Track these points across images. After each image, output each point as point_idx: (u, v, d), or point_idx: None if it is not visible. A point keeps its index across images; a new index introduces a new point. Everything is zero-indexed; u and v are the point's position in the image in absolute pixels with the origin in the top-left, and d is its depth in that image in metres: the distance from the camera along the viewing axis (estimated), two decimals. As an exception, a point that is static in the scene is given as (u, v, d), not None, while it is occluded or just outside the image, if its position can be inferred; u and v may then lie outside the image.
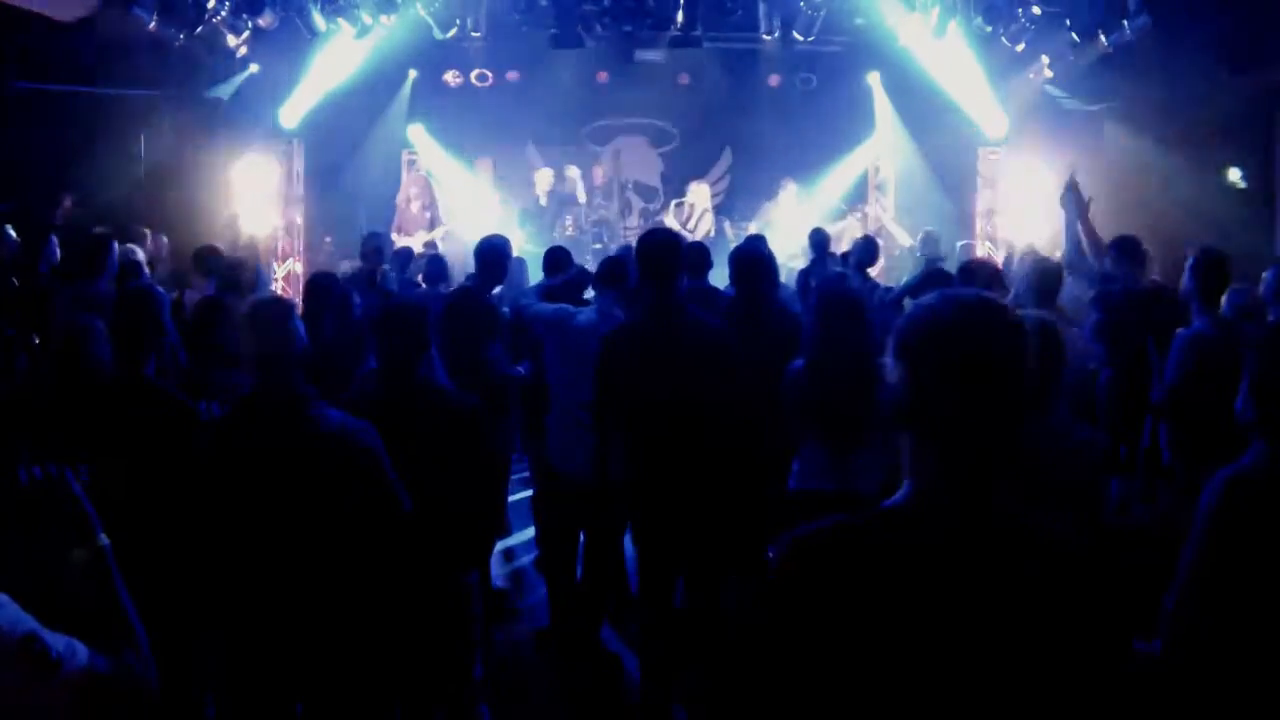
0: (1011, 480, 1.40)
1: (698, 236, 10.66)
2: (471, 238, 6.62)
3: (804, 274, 6.60)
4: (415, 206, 10.40)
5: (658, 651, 3.89)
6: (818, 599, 1.38)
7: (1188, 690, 2.50)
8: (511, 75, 11.11)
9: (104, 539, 1.64)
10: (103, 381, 3.29)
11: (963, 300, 1.42)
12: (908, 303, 4.16)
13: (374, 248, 6.69)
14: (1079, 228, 4.84)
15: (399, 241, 9.28)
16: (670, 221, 11.15)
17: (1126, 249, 5.00)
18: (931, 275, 5.11)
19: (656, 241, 3.92)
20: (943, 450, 1.40)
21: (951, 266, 7.04)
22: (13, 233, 6.35)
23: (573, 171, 11.00)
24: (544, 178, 10.85)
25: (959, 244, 9.34)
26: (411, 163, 11.38)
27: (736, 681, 1.53)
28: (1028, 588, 1.36)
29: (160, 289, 3.57)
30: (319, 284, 5.20)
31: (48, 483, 1.61)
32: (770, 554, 3.83)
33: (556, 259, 5.47)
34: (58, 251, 6.16)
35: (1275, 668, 2.38)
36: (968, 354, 1.37)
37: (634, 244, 4.57)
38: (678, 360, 3.70)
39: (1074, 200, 4.77)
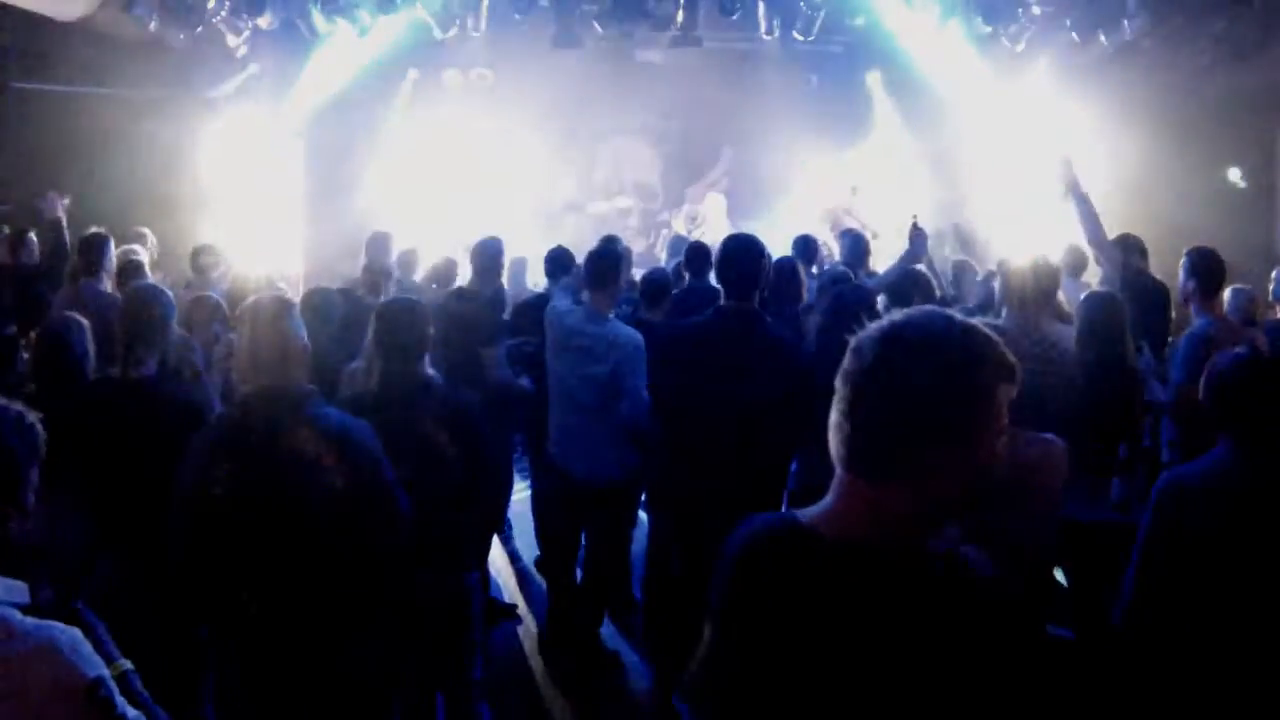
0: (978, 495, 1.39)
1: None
2: (471, 238, 6.62)
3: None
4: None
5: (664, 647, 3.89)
6: (747, 608, 1.40)
7: (1141, 668, 2.60)
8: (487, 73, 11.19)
9: (125, 663, 1.61)
10: (83, 381, 3.30)
11: (907, 323, 1.38)
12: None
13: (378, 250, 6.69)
14: (1083, 207, 4.81)
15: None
16: (679, 224, 11.18)
17: (1130, 245, 4.98)
18: (906, 275, 5.09)
19: (737, 247, 3.83)
20: (859, 473, 1.38)
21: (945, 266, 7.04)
22: (7, 230, 6.36)
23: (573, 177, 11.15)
24: (563, 185, 11.04)
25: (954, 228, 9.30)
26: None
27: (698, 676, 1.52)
28: (916, 614, 1.34)
29: (167, 290, 3.57)
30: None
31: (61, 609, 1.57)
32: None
33: (558, 259, 5.48)
34: (36, 250, 6.15)
35: (1221, 649, 2.45)
36: (900, 378, 1.34)
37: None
38: (743, 368, 3.60)
39: (1071, 180, 4.76)
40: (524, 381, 4.91)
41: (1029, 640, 1.43)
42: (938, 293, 5.57)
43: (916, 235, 5.62)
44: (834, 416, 1.38)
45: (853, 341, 1.40)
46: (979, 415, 1.33)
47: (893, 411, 1.33)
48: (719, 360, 3.64)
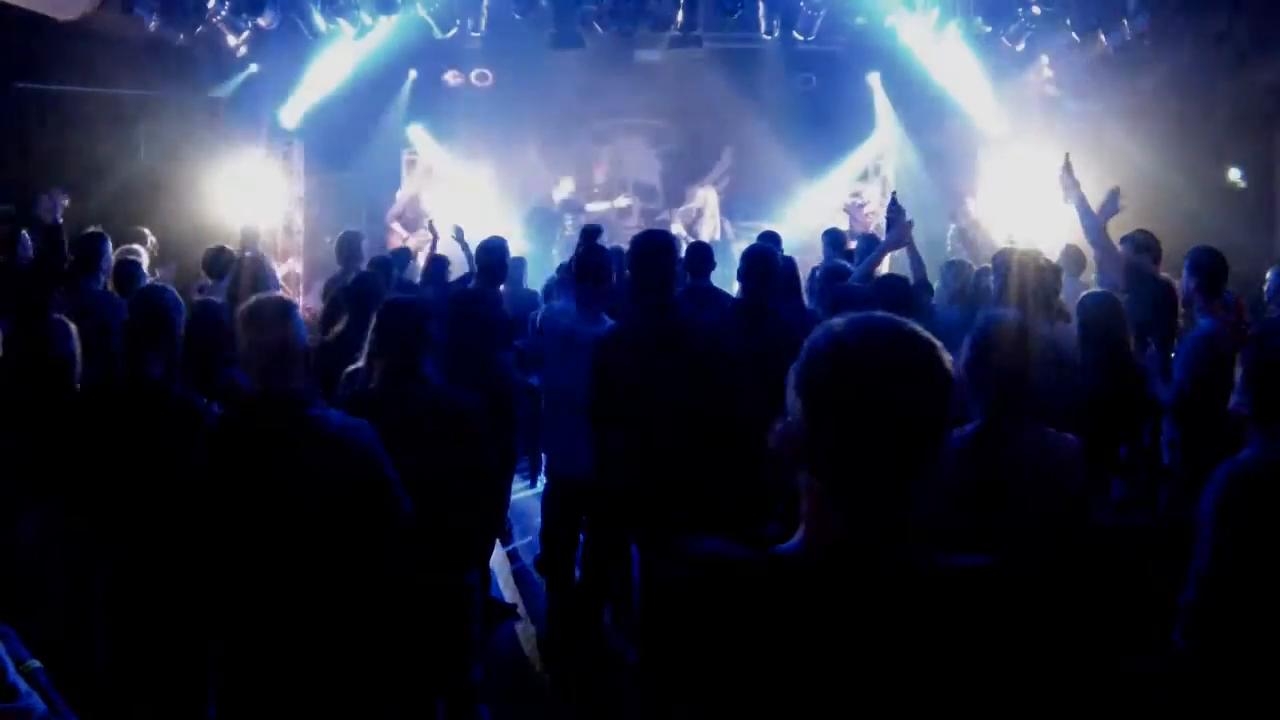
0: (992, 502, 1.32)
1: (702, 239, 10.69)
2: (471, 238, 6.62)
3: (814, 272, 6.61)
4: (425, 201, 10.57)
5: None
6: (695, 638, 1.27)
7: (1211, 684, 2.51)
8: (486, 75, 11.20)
9: (34, 662, 1.59)
10: (68, 384, 3.30)
11: (871, 331, 1.26)
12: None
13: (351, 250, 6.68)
14: (1084, 209, 4.81)
15: (399, 238, 9.33)
16: (676, 225, 11.20)
17: (1140, 242, 4.96)
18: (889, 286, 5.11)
19: (651, 243, 3.88)
20: (844, 496, 1.25)
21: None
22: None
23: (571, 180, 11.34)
24: (565, 185, 11.06)
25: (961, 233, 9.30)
26: (412, 163, 11.40)
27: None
28: (925, 645, 1.23)
29: (173, 291, 3.56)
30: None
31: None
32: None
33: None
34: (30, 248, 6.15)
35: None
36: (876, 390, 1.22)
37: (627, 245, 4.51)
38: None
39: (1071, 182, 4.76)
40: (533, 380, 4.92)
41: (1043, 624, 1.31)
42: (932, 293, 5.57)
43: (895, 216, 5.42)
44: (815, 429, 1.26)
45: (813, 343, 1.28)
46: (947, 419, 1.27)
47: (887, 425, 1.23)
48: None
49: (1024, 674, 1.25)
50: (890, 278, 5.43)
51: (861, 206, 10.12)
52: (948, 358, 1.27)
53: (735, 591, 1.26)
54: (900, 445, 1.23)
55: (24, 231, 6.13)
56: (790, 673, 1.22)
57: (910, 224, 5.35)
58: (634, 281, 3.89)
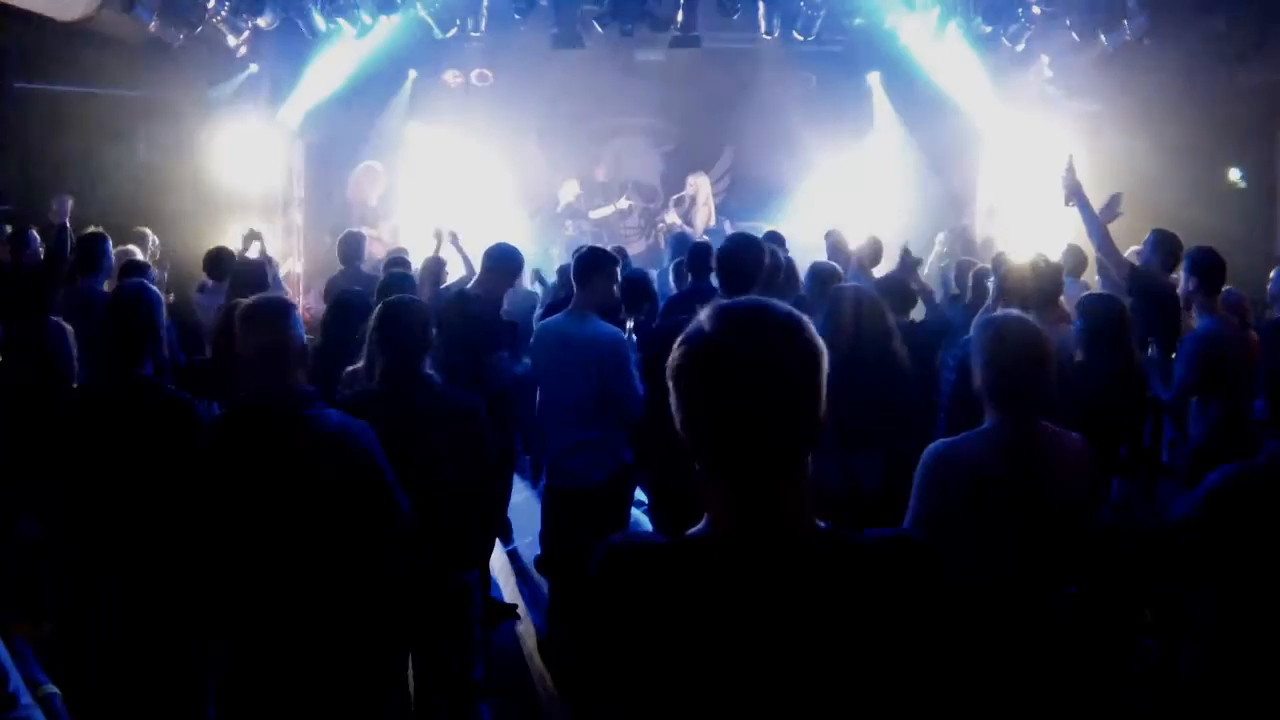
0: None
1: (697, 229, 10.71)
2: (469, 238, 6.62)
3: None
4: (373, 199, 10.58)
5: None
6: (618, 619, 1.32)
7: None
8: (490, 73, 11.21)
9: (51, 688, 1.57)
10: (66, 382, 3.30)
11: (730, 317, 1.29)
12: None
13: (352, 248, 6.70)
14: (1087, 213, 4.81)
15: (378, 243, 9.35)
16: (670, 214, 11.23)
17: (1164, 243, 4.93)
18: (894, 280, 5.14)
19: (735, 244, 4.05)
20: (727, 476, 1.28)
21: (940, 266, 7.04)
22: (8, 229, 6.37)
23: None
24: (570, 189, 11.08)
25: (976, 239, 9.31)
26: (370, 169, 11.37)
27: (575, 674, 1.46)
28: (821, 617, 1.25)
29: (154, 288, 3.55)
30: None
31: None
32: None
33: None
34: (38, 246, 6.16)
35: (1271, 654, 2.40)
36: (731, 373, 1.24)
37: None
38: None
39: (1073, 184, 4.76)
40: (519, 367, 4.93)
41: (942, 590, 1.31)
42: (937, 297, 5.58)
43: (904, 263, 5.57)
44: (688, 416, 1.28)
45: (684, 337, 1.30)
46: (815, 396, 1.28)
47: (749, 406, 1.25)
48: None
49: (907, 646, 1.27)
50: (889, 277, 5.44)
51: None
52: (813, 336, 1.29)
53: (644, 576, 1.31)
54: (767, 425, 1.25)
55: (32, 231, 6.15)
56: (694, 652, 1.26)
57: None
58: (719, 278, 3.98)
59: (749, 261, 3.99)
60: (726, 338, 1.26)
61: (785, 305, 1.31)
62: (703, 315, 1.30)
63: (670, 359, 1.30)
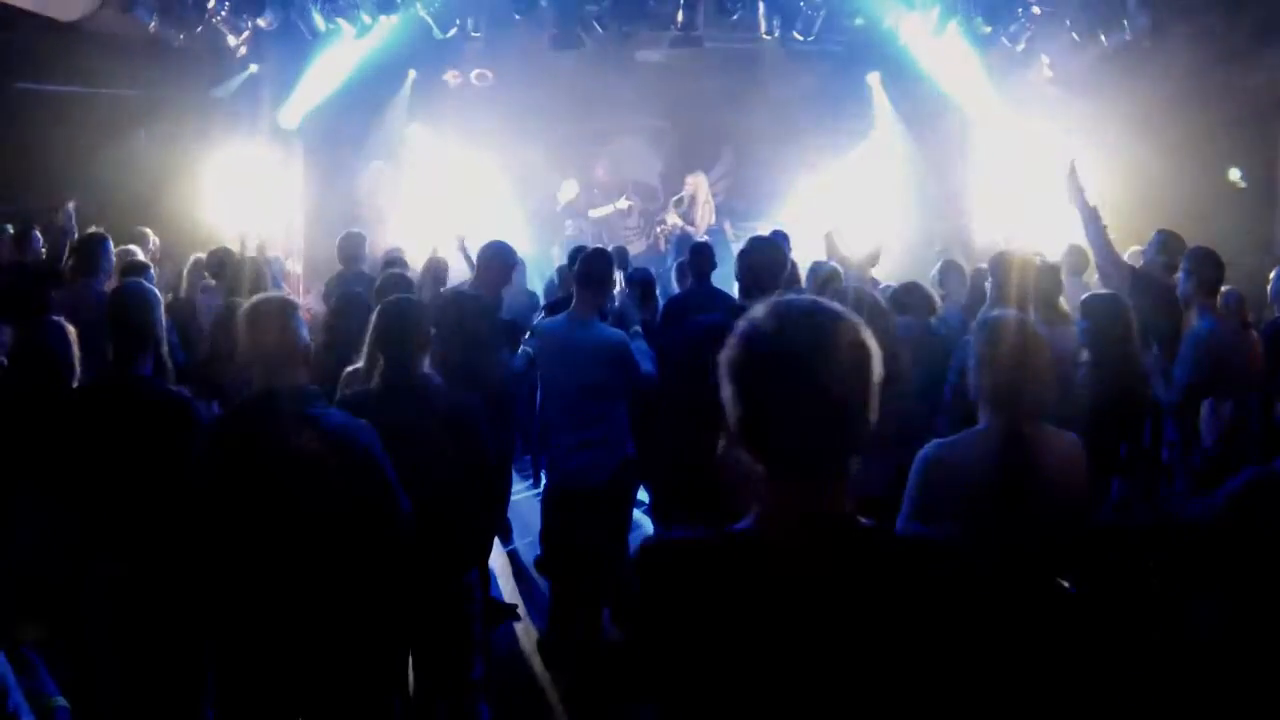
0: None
1: (699, 228, 10.72)
2: (470, 238, 6.61)
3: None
4: (381, 199, 10.67)
5: None
6: (668, 613, 1.34)
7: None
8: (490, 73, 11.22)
9: (60, 701, 1.56)
10: (66, 382, 3.30)
11: (786, 313, 1.32)
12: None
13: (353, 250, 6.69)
14: (1087, 214, 4.81)
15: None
16: (670, 215, 11.24)
17: (1168, 244, 4.92)
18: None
19: (759, 247, 4.09)
20: (780, 471, 1.32)
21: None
22: (10, 230, 6.36)
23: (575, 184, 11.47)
24: (569, 188, 11.08)
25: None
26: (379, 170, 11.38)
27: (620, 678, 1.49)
28: (869, 616, 1.29)
29: (154, 288, 3.55)
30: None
31: None
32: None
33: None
34: (41, 247, 6.16)
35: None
36: (793, 370, 1.28)
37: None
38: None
39: (1076, 188, 4.76)
40: (516, 362, 4.94)
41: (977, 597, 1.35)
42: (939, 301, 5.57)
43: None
44: (745, 412, 1.32)
45: (740, 333, 1.33)
46: (868, 392, 1.32)
47: (806, 401, 1.28)
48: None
49: (957, 639, 1.30)
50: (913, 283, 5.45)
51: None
52: (865, 333, 1.32)
53: (696, 570, 1.33)
54: (822, 419, 1.29)
55: (36, 231, 6.15)
56: (748, 644, 1.28)
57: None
58: (740, 281, 4.02)
59: (773, 265, 4.00)
60: (788, 336, 1.30)
61: (839, 306, 1.35)
62: (761, 314, 1.33)
63: (728, 355, 1.33)
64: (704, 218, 11.11)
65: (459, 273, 6.68)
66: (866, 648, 1.28)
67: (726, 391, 1.33)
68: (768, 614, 1.28)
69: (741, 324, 1.34)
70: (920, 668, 1.28)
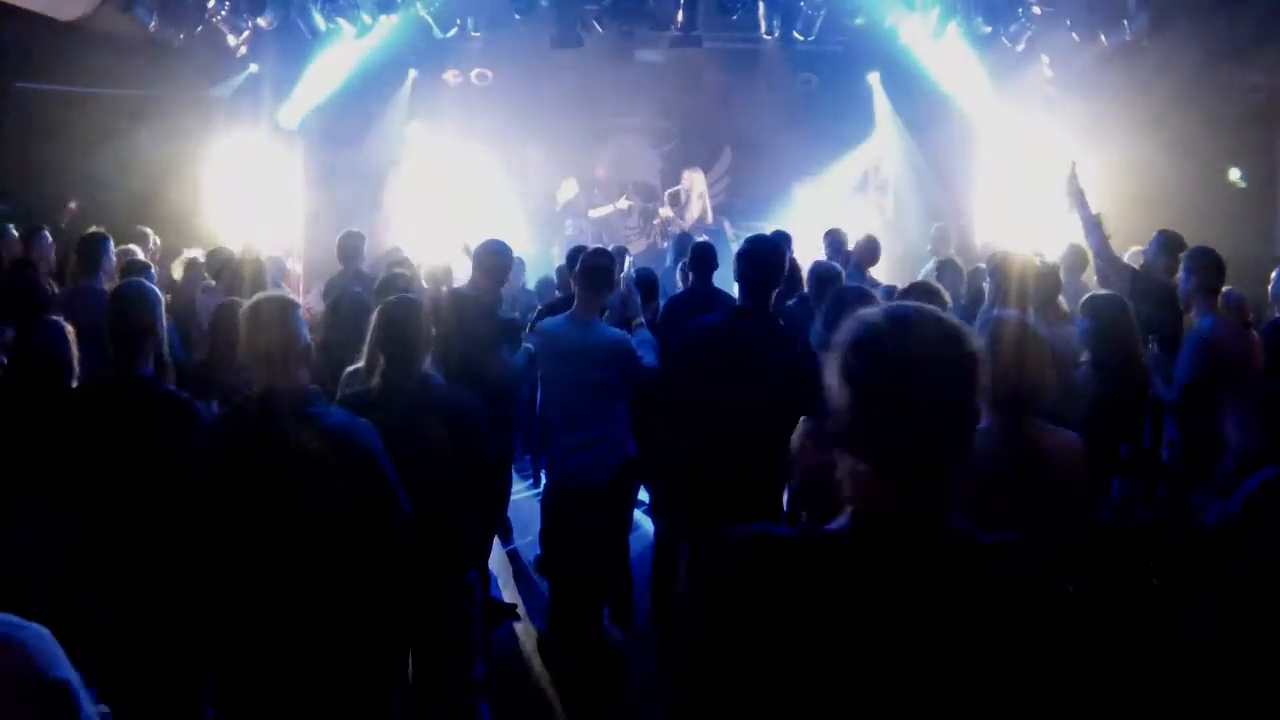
0: (997, 491, 1.37)
1: (687, 223, 10.75)
2: (471, 238, 6.61)
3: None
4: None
5: None
6: (755, 610, 1.32)
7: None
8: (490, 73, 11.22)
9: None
10: (65, 382, 3.29)
11: (906, 320, 1.35)
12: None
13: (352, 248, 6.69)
14: (1088, 221, 4.81)
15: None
16: (664, 209, 11.26)
17: (1168, 244, 4.93)
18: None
19: (757, 248, 4.03)
20: (889, 474, 1.33)
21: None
22: (15, 232, 6.36)
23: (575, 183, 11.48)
24: (568, 188, 11.07)
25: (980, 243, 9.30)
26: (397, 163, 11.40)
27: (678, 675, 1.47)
28: (974, 619, 1.29)
29: (154, 288, 3.55)
30: None
31: None
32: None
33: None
34: (50, 247, 6.16)
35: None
36: (910, 375, 1.31)
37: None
38: (755, 369, 3.77)
39: (1077, 192, 4.76)
40: (516, 359, 4.94)
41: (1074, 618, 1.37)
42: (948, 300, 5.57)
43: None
44: (858, 414, 1.34)
45: (853, 334, 1.36)
46: (977, 400, 1.35)
47: (924, 407, 1.31)
48: (731, 360, 3.74)
49: (1060, 647, 1.31)
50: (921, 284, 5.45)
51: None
52: (978, 343, 1.36)
53: (787, 568, 1.33)
54: (937, 425, 1.32)
55: (45, 231, 6.15)
56: (838, 643, 1.29)
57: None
58: (739, 281, 4.03)
59: (771, 265, 4.00)
60: (906, 341, 1.33)
61: (948, 314, 1.39)
62: (877, 317, 1.36)
63: (842, 356, 1.35)
64: (694, 213, 11.14)
65: (462, 279, 6.69)
66: (964, 655, 1.28)
67: (837, 392, 1.35)
68: (865, 617, 1.29)
69: (855, 325, 1.37)
70: (1018, 679, 1.29)
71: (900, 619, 1.29)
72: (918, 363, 1.31)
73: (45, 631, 1.38)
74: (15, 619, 1.36)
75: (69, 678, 1.36)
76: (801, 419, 2.95)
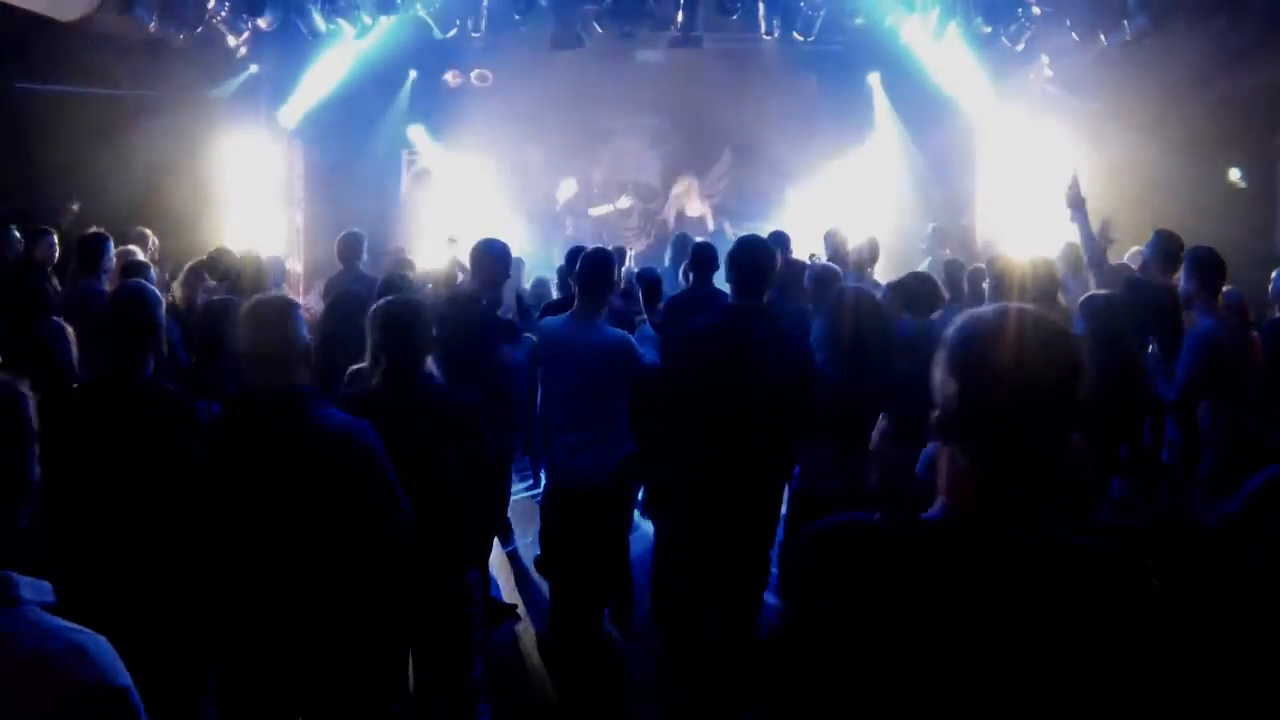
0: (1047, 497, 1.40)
1: (668, 219, 10.79)
2: (472, 238, 6.61)
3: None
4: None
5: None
6: (842, 599, 1.36)
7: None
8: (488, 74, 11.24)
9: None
10: (70, 382, 3.29)
11: (1014, 319, 1.41)
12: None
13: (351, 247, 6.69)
14: (1084, 228, 4.82)
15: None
16: (668, 209, 11.31)
17: (1167, 244, 4.93)
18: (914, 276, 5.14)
19: (748, 246, 4.09)
20: (990, 467, 1.38)
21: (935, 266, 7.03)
22: (16, 233, 6.36)
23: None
24: (568, 187, 11.07)
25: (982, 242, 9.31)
26: (411, 162, 11.41)
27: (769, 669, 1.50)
28: (1066, 611, 1.34)
29: (154, 288, 3.55)
30: None
31: None
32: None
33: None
34: (55, 249, 6.17)
35: None
36: (1026, 371, 1.36)
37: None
38: (752, 367, 3.79)
39: (1078, 199, 4.77)
40: (516, 356, 4.95)
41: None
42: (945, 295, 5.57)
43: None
44: (966, 406, 1.38)
45: (964, 330, 1.41)
46: (1079, 398, 1.40)
47: (1033, 404, 1.36)
48: (729, 359, 3.77)
49: (1146, 651, 1.37)
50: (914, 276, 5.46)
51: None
52: (1082, 347, 1.41)
53: (890, 555, 1.38)
54: (1044, 421, 1.37)
55: (52, 234, 6.16)
56: (938, 630, 1.33)
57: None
58: (730, 281, 4.07)
59: (763, 265, 4.02)
60: (1017, 338, 1.38)
61: (1050, 314, 1.44)
62: (985, 314, 1.42)
63: (951, 350, 1.41)
64: (693, 211, 11.17)
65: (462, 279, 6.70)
66: (1061, 648, 1.33)
67: (944, 384, 1.40)
68: (964, 607, 1.33)
69: (966, 321, 1.42)
70: (1111, 674, 1.33)
71: (997, 610, 1.33)
72: (1027, 359, 1.36)
73: (104, 638, 1.38)
74: (78, 626, 1.38)
75: (130, 684, 1.38)
76: (881, 415, 2.97)
